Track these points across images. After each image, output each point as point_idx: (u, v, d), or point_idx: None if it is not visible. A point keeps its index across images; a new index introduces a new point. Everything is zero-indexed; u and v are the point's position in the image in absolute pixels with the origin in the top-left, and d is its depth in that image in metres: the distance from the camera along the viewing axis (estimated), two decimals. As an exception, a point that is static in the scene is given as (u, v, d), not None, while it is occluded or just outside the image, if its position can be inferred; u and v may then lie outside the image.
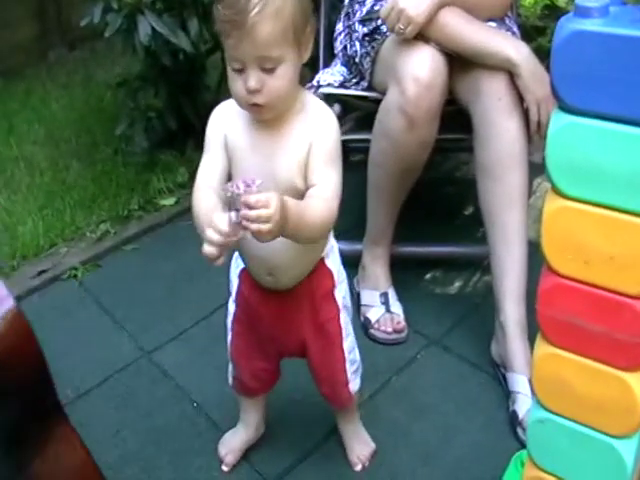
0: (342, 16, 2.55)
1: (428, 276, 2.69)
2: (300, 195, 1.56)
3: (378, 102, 2.25)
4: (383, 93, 2.22)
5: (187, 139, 3.33)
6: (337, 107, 2.41)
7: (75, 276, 2.82)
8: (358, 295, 2.52)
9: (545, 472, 1.37)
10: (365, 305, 2.49)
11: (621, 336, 1.16)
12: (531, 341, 1.98)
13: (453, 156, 3.27)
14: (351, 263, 2.39)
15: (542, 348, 1.28)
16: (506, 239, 2.18)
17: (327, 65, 2.62)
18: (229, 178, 1.61)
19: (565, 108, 1.10)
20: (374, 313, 2.45)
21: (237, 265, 1.81)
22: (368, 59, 2.35)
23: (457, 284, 2.65)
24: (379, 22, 2.30)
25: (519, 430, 2.03)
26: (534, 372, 1.32)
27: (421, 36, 2.14)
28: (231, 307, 1.88)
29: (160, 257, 2.88)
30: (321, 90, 2.41)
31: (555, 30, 1.09)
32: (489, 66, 2.15)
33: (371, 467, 2.03)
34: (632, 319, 1.14)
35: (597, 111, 1.07)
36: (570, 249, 1.16)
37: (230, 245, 1.43)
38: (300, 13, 1.48)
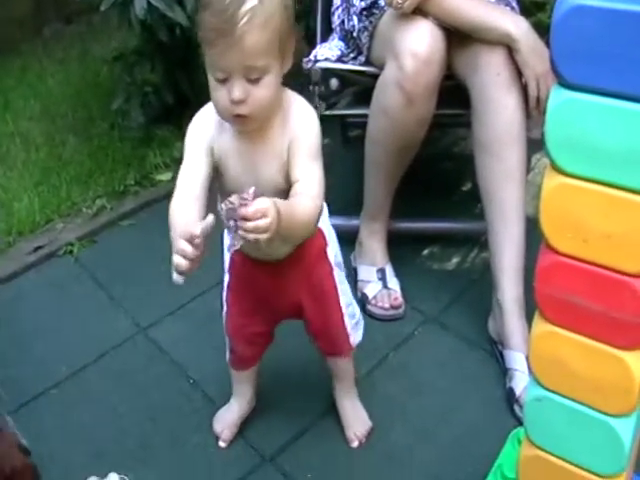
0: (340, -10, 2.53)
1: (425, 252, 2.68)
2: (283, 192, 1.56)
3: (376, 77, 2.23)
4: (381, 68, 2.20)
5: (184, 114, 3.28)
6: (335, 81, 2.40)
7: (71, 252, 2.81)
8: (355, 271, 2.51)
9: (542, 450, 1.37)
10: (362, 281, 2.48)
11: (619, 315, 1.15)
12: (529, 318, 1.98)
13: (451, 132, 3.25)
14: (348, 239, 2.39)
15: (540, 326, 1.27)
16: (504, 215, 2.17)
17: (324, 40, 2.60)
18: (218, 187, 1.63)
19: (565, 84, 1.09)
20: (371, 289, 2.44)
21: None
22: (366, 34, 2.33)
23: (455, 260, 2.64)
24: (377, -4, 2.28)
25: (516, 407, 2.03)
26: (532, 350, 1.32)
27: (419, 11, 2.12)
28: (225, 277, 1.88)
29: (156, 233, 2.82)
30: (318, 65, 2.40)
31: (555, 5, 1.07)
32: (488, 41, 2.13)
33: (368, 444, 2.03)
34: (631, 298, 1.13)
35: (597, 87, 1.05)
36: (569, 227, 1.15)
37: (198, 263, 1.41)
38: (286, 22, 1.48)
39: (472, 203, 2.68)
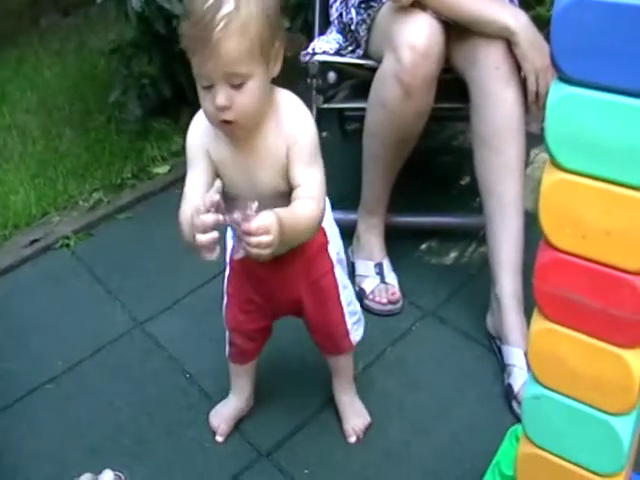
0: (338, -17, 2.51)
1: (423, 246, 2.67)
2: (284, 196, 1.57)
3: (374, 70, 2.22)
4: (379, 61, 2.19)
5: (181, 107, 3.29)
6: (333, 75, 2.39)
7: (67, 245, 2.81)
8: (353, 265, 2.50)
9: (540, 448, 1.36)
10: (360, 275, 2.47)
11: (619, 313, 1.14)
12: (527, 313, 1.97)
13: (450, 125, 3.24)
14: (346, 233, 2.37)
15: (538, 323, 1.26)
16: (502, 210, 2.16)
17: (322, 33, 2.59)
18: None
19: (565, 79, 1.07)
20: (369, 284, 2.43)
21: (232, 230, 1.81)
22: (364, 26, 2.32)
23: (453, 255, 2.63)
24: (375, -11, 2.26)
25: (514, 404, 2.02)
26: (530, 348, 1.31)
27: (418, 3, 2.10)
28: (227, 269, 1.88)
29: (154, 226, 2.86)
30: (316, 58, 2.39)
31: (555, -2, 1.06)
32: (487, 34, 2.12)
33: (365, 439, 2.02)
34: (630, 295, 1.12)
35: (598, 82, 1.04)
36: (568, 223, 1.14)
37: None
38: (267, 28, 1.47)
39: (471, 197, 2.67)
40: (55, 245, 2.81)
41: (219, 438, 2.04)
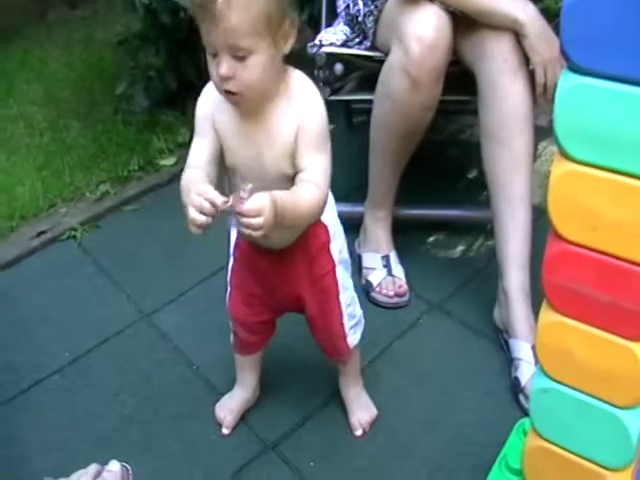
0: (345, -26, 2.51)
1: (430, 239, 2.66)
2: (289, 179, 1.56)
3: (381, 62, 2.21)
4: (386, 53, 2.18)
5: (188, 98, 3.29)
6: (339, 66, 2.38)
7: (74, 237, 2.81)
8: (359, 258, 2.49)
9: (548, 442, 1.36)
10: (366, 268, 2.47)
11: (628, 305, 1.14)
12: (535, 307, 1.97)
13: (457, 119, 3.23)
14: (352, 225, 2.37)
15: (547, 316, 1.26)
16: (510, 203, 2.15)
17: (329, 24, 2.58)
18: (222, 158, 1.63)
19: (574, 69, 1.07)
20: (376, 276, 2.43)
21: None
22: (371, 18, 2.31)
23: (460, 248, 2.62)
24: (383, -20, 2.26)
25: (521, 397, 2.01)
26: (538, 340, 1.30)
27: (425, -5, 2.10)
28: (230, 260, 1.88)
29: (160, 218, 2.86)
30: (323, 49, 2.38)
31: (564, -10, 1.05)
32: (495, 26, 2.11)
33: (371, 432, 2.02)
34: (640, 288, 1.12)
35: (607, 72, 1.04)
36: (577, 215, 1.13)
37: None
38: (275, 5, 1.46)
39: (478, 191, 2.67)
40: (62, 237, 2.81)
41: (225, 430, 2.03)
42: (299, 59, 1.62)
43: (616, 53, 1.02)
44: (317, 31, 2.55)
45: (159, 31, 3.21)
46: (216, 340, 2.18)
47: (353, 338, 1.91)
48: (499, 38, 2.11)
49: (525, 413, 1.91)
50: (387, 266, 2.44)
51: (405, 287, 2.41)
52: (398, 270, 2.45)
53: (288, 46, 1.52)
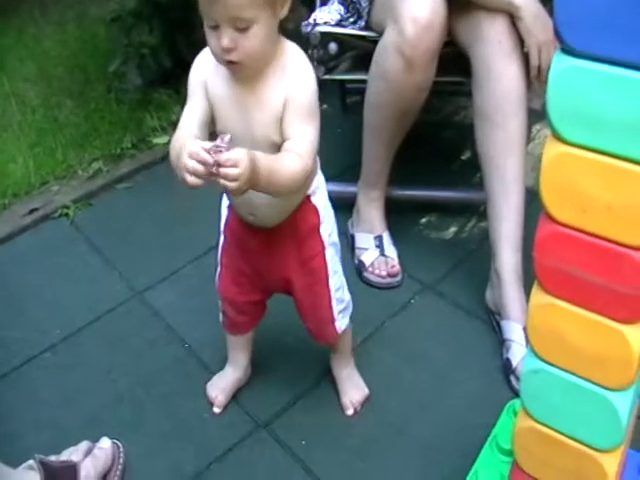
0: (340, -48, 2.50)
1: (424, 220, 2.66)
2: (278, 149, 1.56)
3: (375, 42, 2.20)
4: (380, 33, 2.18)
5: (181, 77, 3.24)
6: (334, 46, 2.37)
7: (66, 215, 2.80)
8: (352, 238, 2.50)
9: (538, 422, 1.36)
10: (359, 248, 2.47)
11: (619, 288, 1.13)
12: (527, 289, 1.97)
13: (451, 100, 3.23)
14: (345, 205, 2.37)
15: (538, 297, 1.26)
16: (504, 185, 2.15)
17: (324, 3, 2.57)
18: (213, 123, 1.62)
19: (568, 50, 1.06)
20: (368, 256, 2.43)
21: (227, 197, 1.81)
22: (366, -3, 2.30)
23: (453, 229, 2.62)
24: (378, -41, 2.25)
25: (512, 378, 2.02)
26: (529, 322, 1.30)
27: (421, -25, 2.09)
28: (220, 239, 1.88)
29: (153, 196, 2.85)
30: (317, 29, 2.37)
31: (559, -30, 1.05)
32: (490, 8, 2.11)
33: (362, 412, 2.03)
34: (631, 270, 1.11)
35: (601, 54, 1.03)
36: (569, 196, 1.13)
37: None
38: None
39: (472, 172, 2.66)
40: (54, 214, 2.80)
41: (216, 409, 2.04)
42: (293, 38, 1.62)
43: (609, 35, 1.01)
44: (311, 10, 2.54)
45: (153, 9, 3.20)
46: (208, 319, 2.17)
47: (341, 322, 1.91)
48: (494, 20, 2.11)
49: (516, 394, 1.91)
50: (380, 246, 2.44)
51: (398, 267, 2.41)
52: (391, 250, 2.45)
53: (285, 10, 1.52)
